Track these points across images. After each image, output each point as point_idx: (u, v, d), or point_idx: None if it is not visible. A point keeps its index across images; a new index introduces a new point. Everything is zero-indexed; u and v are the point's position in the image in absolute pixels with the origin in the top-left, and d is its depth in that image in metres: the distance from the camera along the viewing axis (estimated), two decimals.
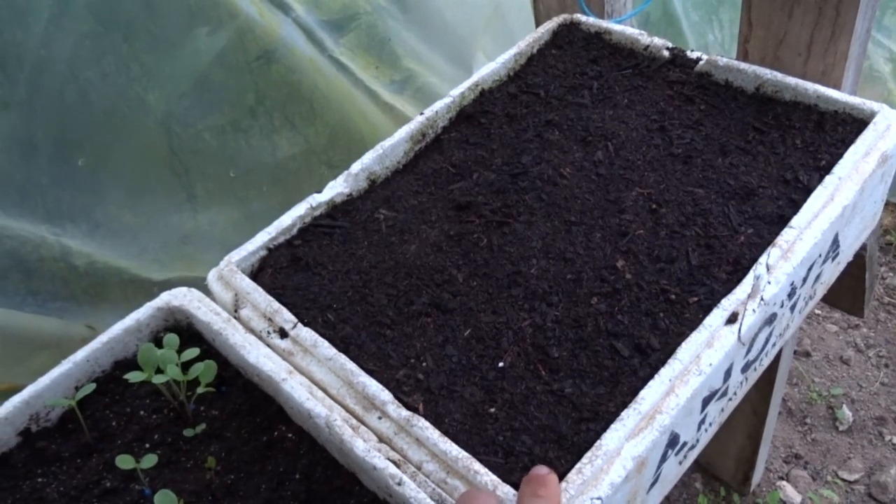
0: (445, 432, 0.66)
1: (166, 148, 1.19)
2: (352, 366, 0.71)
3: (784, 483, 1.71)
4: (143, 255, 1.26)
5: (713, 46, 2.18)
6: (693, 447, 0.74)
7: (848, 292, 1.03)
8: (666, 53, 1.01)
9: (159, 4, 1.10)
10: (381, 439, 0.67)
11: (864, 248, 0.96)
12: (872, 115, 0.85)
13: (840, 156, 0.82)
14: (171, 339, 0.75)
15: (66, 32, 1.03)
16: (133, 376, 0.70)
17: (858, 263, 0.96)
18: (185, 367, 0.73)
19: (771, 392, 1.37)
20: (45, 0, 1.02)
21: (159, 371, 0.71)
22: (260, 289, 0.79)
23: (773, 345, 0.81)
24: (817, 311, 2.11)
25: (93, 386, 0.73)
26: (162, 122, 1.15)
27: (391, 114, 1.45)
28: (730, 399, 0.77)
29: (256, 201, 1.29)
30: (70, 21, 1.02)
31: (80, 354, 0.77)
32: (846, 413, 1.85)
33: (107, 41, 1.07)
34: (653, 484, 0.69)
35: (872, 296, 2.09)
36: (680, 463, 0.73)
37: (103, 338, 0.78)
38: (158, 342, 0.78)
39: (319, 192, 0.90)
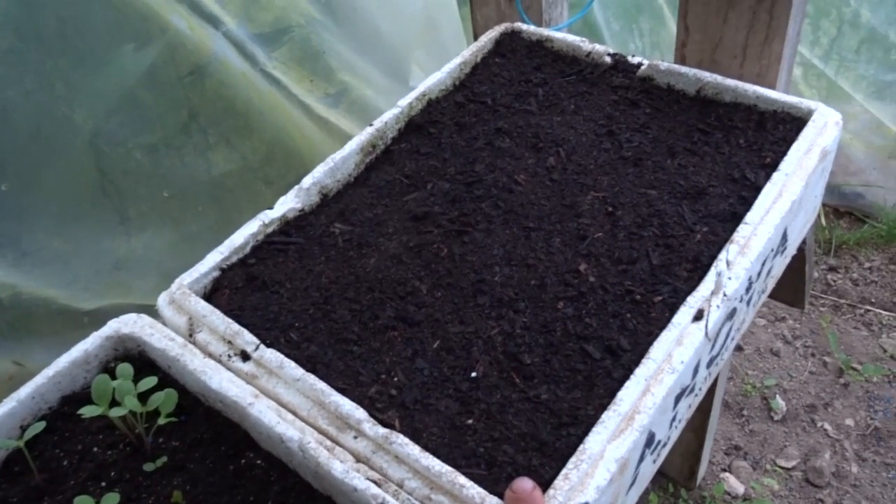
0: (425, 447, 0.64)
1: (95, 169, 1.13)
2: (322, 385, 0.69)
3: (727, 475, 1.76)
4: (73, 284, 1.19)
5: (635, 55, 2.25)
6: (665, 445, 0.75)
7: (790, 285, 1.07)
8: (608, 59, 1.03)
9: (84, 19, 1.04)
10: (358, 459, 0.65)
11: (804, 241, 0.99)
12: (810, 113, 0.88)
13: (783, 153, 0.85)
14: (126, 368, 0.71)
15: None
16: (88, 410, 0.66)
17: (799, 256, 1.00)
18: (143, 397, 0.69)
19: (714, 387, 1.40)
20: None
21: (115, 403, 0.67)
22: (217, 311, 0.76)
23: (732, 339, 0.83)
24: None
25: (42, 425, 0.68)
26: (90, 141, 1.10)
27: (326, 128, 1.42)
28: (696, 395, 0.79)
29: (193, 221, 1.25)
30: None
31: (25, 391, 0.71)
32: (780, 403, 1.92)
33: (28, 58, 1.01)
34: (631, 484, 0.69)
35: (811, 287, 2.18)
36: (654, 461, 0.73)
37: (49, 372, 0.73)
38: (109, 373, 0.73)
39: (271, 208, 0.87)
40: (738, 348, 2.05)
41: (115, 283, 1.24)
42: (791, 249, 0.92)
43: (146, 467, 0.69)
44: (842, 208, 2.39)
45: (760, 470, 1.78)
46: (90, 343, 0.75)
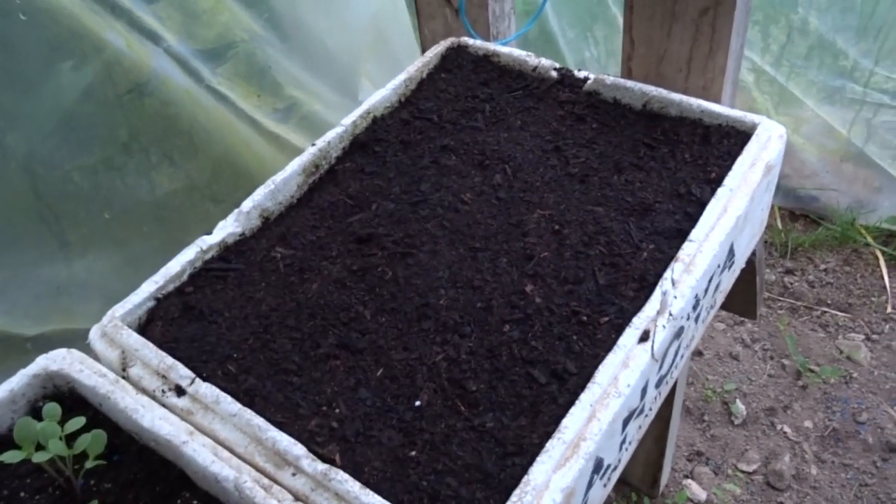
0: (366, 483, 0.62)
1: (31, 193, 1.09)
2: (259, 420, 0.66)
3: (689, 481, 1.76)
4: (13, 311, 1.15)
5: (590, 62, 2.25)
6: (616, 468, 0.74)
7: (741, 296, 1.07)
8: (554, 74, 1.02)
9: (16, 39, 1.01)
10: (297, 498, 0.63)
11: (753, 253, 0.99)
12: (754, 127, 0.88)
13: (728, 168, 0.85)
14: (52, 408, 0.67)
15: None
16: (9, 456, 0.63)
17: (749, 268, 1.00)
18: (71, 438, 0.66)
19: (673, 395, 1.40)
20: None
21: (40, 447, 0.64)
22: (150, 344, 0.73)
23: (682, 357, 0.83)
24: None
25: None
26: (24, 165, 1.06)
27: (277, 143, 1.39)
28: (646, 416, 0.78)
29: (138, 243, 1.21)
30: None
31: None
32: (740, 407, 1.94)
33: None
34: None
35: (762, 297, 2.20)
36: (605, 486, 0.72)
37: None
38: (37, 412, 0.70)
39: (209, 233, 0.85)
40: (698, 353, 2.06)
41: (57, 308, 1.20)
42: (739, 263, 0.92)
43: None
44: (797, 211, 2.42)
45: (722, 475, 1.79)
46: (16, 382, 0.72)
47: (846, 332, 2.12)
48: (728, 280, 0.90)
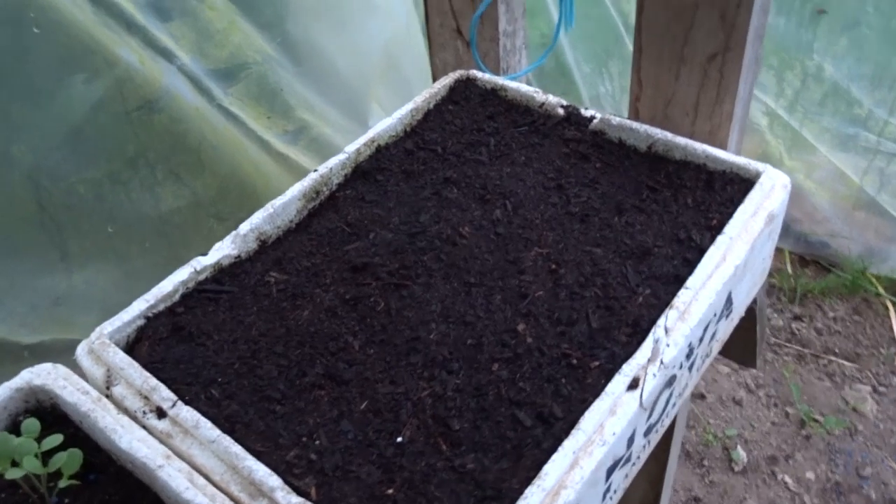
0: None
1: (35, 204, 1.10)
2: (237, 448, 0.65)
3: None
4: (10, 319, 1.15)
5: (604, 97, 2.26)
6: None
7: (740, 344, 1.05)
8: (561, 111, 1.02)
9: (28, 52, 1.02)
10: None
11: (754, 302, 0.98)
12: (758, 175, 0.87)
13: (730, 215, 0.84)
14: (31, 424, 0.67)
15: None
16: None
17: (749, 317, 0.98)
18: (48, 455, 0.65)
19: (671, 439, 1.38)
20: None
21: (16, 464, 0.63)
22: (135, 363, 0.73)
23: (674, 405, 0.81)
24: None
25: None
26: (29, 176, 1.06)
27: (285, 164, 1.40)
28: (633, 464, 0.76)
29: (139, 258, 1.21)
30: None
31: None
32: (740, 454, 1.91)
33: None
34: None
35: (763, 346, 2.18)
36: None
37: None
38: (18, 427, 0.70)
39: (205, 254, 0.84)
40: (700, 396, 2.04)
41: (55, 318, 1.20)
42: (738, 313, 0.90)
43: None
44: (808, 256, 2.39)
45: None
46: None
47: (853, 383, 2.09)
48: (725, 329, 0.89)
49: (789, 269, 2.36)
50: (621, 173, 0.94)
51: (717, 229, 0.83)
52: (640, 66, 0.98)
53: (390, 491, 0.64)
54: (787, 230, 2.30)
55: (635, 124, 0.95)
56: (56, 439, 0.66)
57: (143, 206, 1.20)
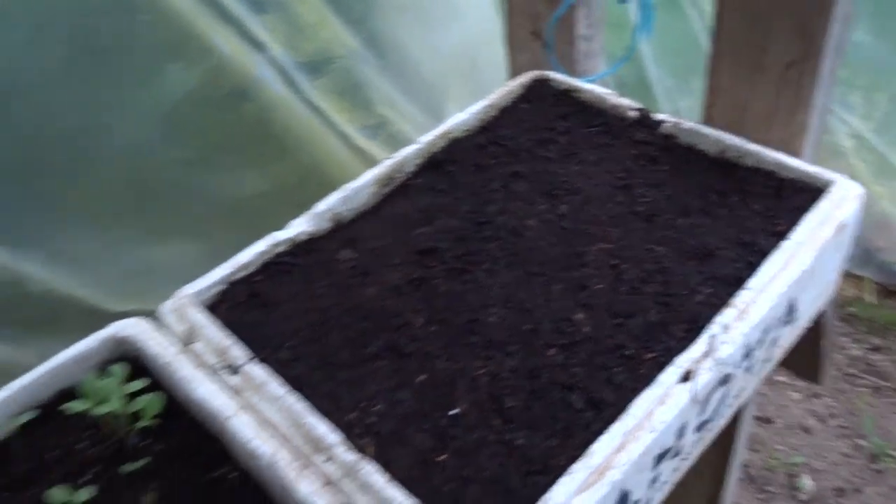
0: (392, 478, 0.64)
1: (130, 178, 1.18)
2: (301, 405, 0.70)
3: None
4: (101, 286, 1.23)
5: (685, 112, 2.24)
6: None
7: (805, 358, 1.04)
8: (633, 114, 1.03)
9: (137, 37, 1.10)
10: (326, 482, 0.65)
11: (821, 315, 0.97)
12: (829, 184, 0.87)
13: (797, 222, 0.84)
14: (117, 369, 0.73)
15: (42, 55, 1.03)
16: (73, 406, 0.68)
17: (815, 330, 0.97)
18: (130, 398, 0.71)
19: (730, 456, 1.36)
20: (23, 21, 1.01)
21: (102, 403, 0.69)
22: (214, 323, 0.78)
23: (729, 406, 0.81)
24: (781, 378, 2.13)
25: (32, 414, 0.71)
26: (128, 152, 1.14)
27: (363, 158, 1.45)
28: (683, 459, 0.77)
29: (220, 238, 1.28)
30: (47, 44, 1.02)
31: (21, 382, 0.74)
32: (806, 483, 1.85)
33: (81, 68, 1.07)
34: None
35: (831, 365, 2.11)
36: None
37: (48, 365, 0.76)
38: (104, 373, 0.76)
39: (282, 229, 0.90)
40: (767, 420, 1.99)
41: (139, 288, 1.28)
42: (801, 322, 0.90)
43: (125, 468, 0.70)
44: (891, 287, 2.31)
45: None
46: (90, 342, 0.78)
47: None
48: (788, 336, 0.88)
49: (871, 299, 2.28)
50: (690, 177, 0.95)
51: (783, 235, 0.83)
52: (716, 73, 0.99)
53: (442, 458, 0.67)
54: (869, 258, 2.23)
55: (707, 129, 0.96)
56: (139, 384, 0.71)
57: (227, 188, 1.27)
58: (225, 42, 1.14)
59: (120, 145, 1.15)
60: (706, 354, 0.72)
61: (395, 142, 1.42)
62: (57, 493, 0.64)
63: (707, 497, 1.50)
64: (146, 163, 1.18)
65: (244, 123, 1.24)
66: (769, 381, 2.09)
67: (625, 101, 1.04)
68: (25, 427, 0.72)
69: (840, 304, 2.25)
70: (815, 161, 0.97)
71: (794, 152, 0.97)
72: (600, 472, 0.63)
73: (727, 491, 1.50)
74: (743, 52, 0.95)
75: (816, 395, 2.08)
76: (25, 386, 0.74)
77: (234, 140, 1.24)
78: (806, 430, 1.99)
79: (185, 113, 1.20)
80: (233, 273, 0.85)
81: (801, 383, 2.12)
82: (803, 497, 1.84)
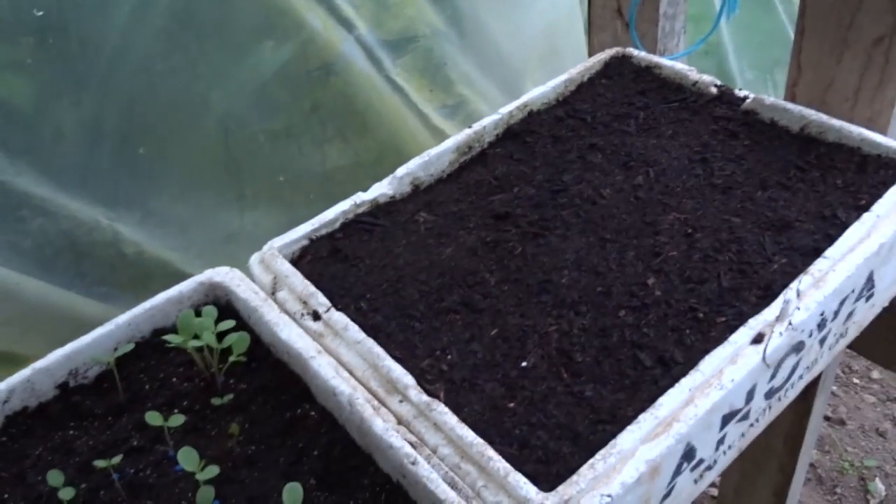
0: (463, 420, 0.67)
1: (222, 146, 1.24)
2: (379, 350, 0.73)
3: None
4: (188, 250, 1.30)
5: None
6: (710, 468, 0.74)
7: (884, 344, 1.01)
8: (713, 90, 1.03)
9: (234, 12, 1.16)
10: (399, 421, 0.69)
11: None
12: None
13: (880, 196, 0.83)
14: (210, 310, 0.78)
15: (144, 27, 1.09)
16: (171, 338, 0.73)
17: (895, 312, 0.95)
18: (220, 337, 0.76)
19: (799, 449, 1.34)
20: None
21: (197, 337, 0.74)
22: (298, 273, 0.82)
23: (800, 377, 0.81)
24: (855, 381, 2.07)
25: (131, 346, 0.76)
26: (221, 121, 1.20)
27: (441, 137, 1.48)
28: (752, 424, 0.77)
29: (302, 207, 1.33)
30: (149, 16, 1.09)
31: (123, 318, 0.80)
32: (879, 487, 1.80)
33: (180, 39, 1.13)
34: (665, 496, 0.69)
35: None
36: (695, 481, 0.73)
37: (146, 305, 0.82)
38: (198, 314, 0.81)
39: (365, 191, 0.94)
40: (840, 422, 1.94)
41: (224, 253, 1.34)
42: (881, 299, 0.88)
43: (214, 401, 0.75)
44: None
45: None
46: (185, 286, 0.83)
47: None
48: (864, 312, 0.87)
49: None
50: (769, 152, 0.95)
51: (865, 209, 0.82)
52: (801, 50, 0.98)
53: (511, 404, 0.70)
54: None
55: (789, 105, 0.95)
56: (229, 323, 0.76)
57: (311, 160, 1.33)
58: (316, 18, 1.19)
59: (214, 116, 1.21)
60: (779, 319, 0.72)
61: (473, 122, 1.45)
62: (154, 416, 0.69)
63: (774, 489, 1.48)
64: (237, 133, 1.24)
65: (329, 98, 1.29)
66: (843, 383, 2.03)
67: (706, 78, 1.04)
68: (124, 359, 0.77)
69: None
70: None
71: (881, 130, 0.95)
72: (667, 423, 0.65)
73: (795, 484, 1.47)
74: (829, 28, 0.94)
75: (893, 399, 2.02)
76: (125, 322, 0.80)
77: (319, 113, 1.28)
78: (881, 433, 1.93)
79: (276, 87, 1.25)
80: (316, 229, 0.89)
81: (876, 386, 2.05)
82: (874, 501, 1.79)
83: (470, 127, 1.00)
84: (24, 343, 1.20)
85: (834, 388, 2.00)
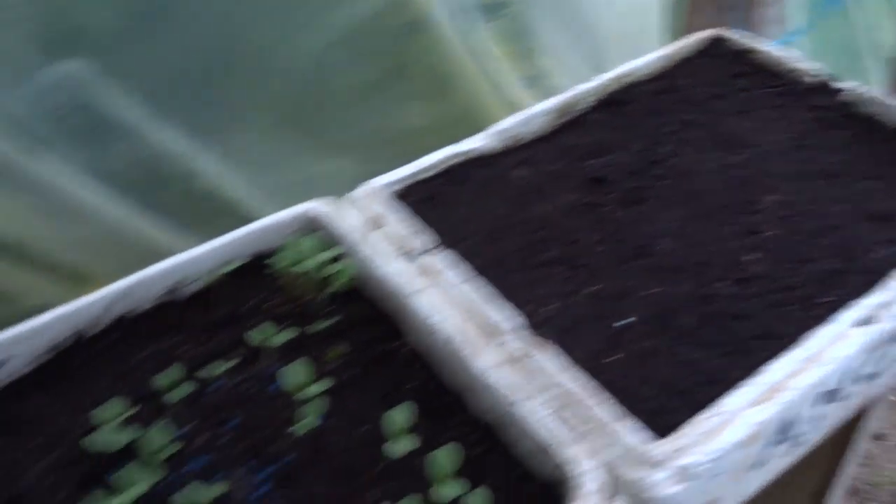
0: (563, 368, 0.67)
1: (305, 93, 1.24)
2: (481, 293, 0.73)
3: None
4: (261, 191, 1.31)
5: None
6: (801, 445, 0.74)
7: None
8: (811, 79, 1.02)
9: None
10: (499, 364, 0.69)
11: None
12: None
13: None
14: (315, 236, 0.79)
15: None
16: (276, 260, 0.74)
17: None
18: (322, 266, 0.76)
19: (845, 449, 1.33)
20: None
21: (300, 262, 0.75)
22: (405, 211, 0.83)
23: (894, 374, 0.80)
24: (892, 398, 2.05)
25: (234, 265, 0.77)
26: (311, 66, 1.21)
27: (513, 109, 1.48)
28: (845, 406, 0.76)
29: (379, 162, 1.33)
30: None
31: (224, 239, 0.81)
32: None
33: None
34: (756, 464, 0.69)
35: None
36: (783, 456, 0.72)
37: (245, 230, 0.83)
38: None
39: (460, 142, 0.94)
40: (880, 437, 1.92)
41: (295, 199, 1.35)
42: None
43: (311, 328, 0.76)
44: None
45: None
46: (284, 215, 0.84)
47: None
48: None
49: None
50: (867, 145, 0.94)
51: None
52: None
53: (613, 358, 0.70)
54: None
55: (890, 100, 0.95)
56: (332, 253, 0.77)
57: (391, 116, 1.33)
58: None
59: (301, 62, 1.21)
60: (889, 303, 0.72)
61: (552, 95, 1.44)
62: (257, 334, 0.70)
63: (811, 491, 1.47)
64: (320, 82, 1.25)
65: (414, 56, 1.29)
66: (884, 400, 2.01)
67: (804, 66, 1.03)
68: (224, 278, 0.78)
69: None
70: None
71: None
72: (774, 390, 0.65)
73: (835, 491, 1.46)
74: None
75: None
76: (227, 243, 0.81)
77: (404, 70, 1.29)
78: None
79: (362, 39, 1.25)
80: (416, 174, 0.89)
81: None
82: None
83: (567, 92, 1.00)
84: (92, 264, 1.21)
85: None
